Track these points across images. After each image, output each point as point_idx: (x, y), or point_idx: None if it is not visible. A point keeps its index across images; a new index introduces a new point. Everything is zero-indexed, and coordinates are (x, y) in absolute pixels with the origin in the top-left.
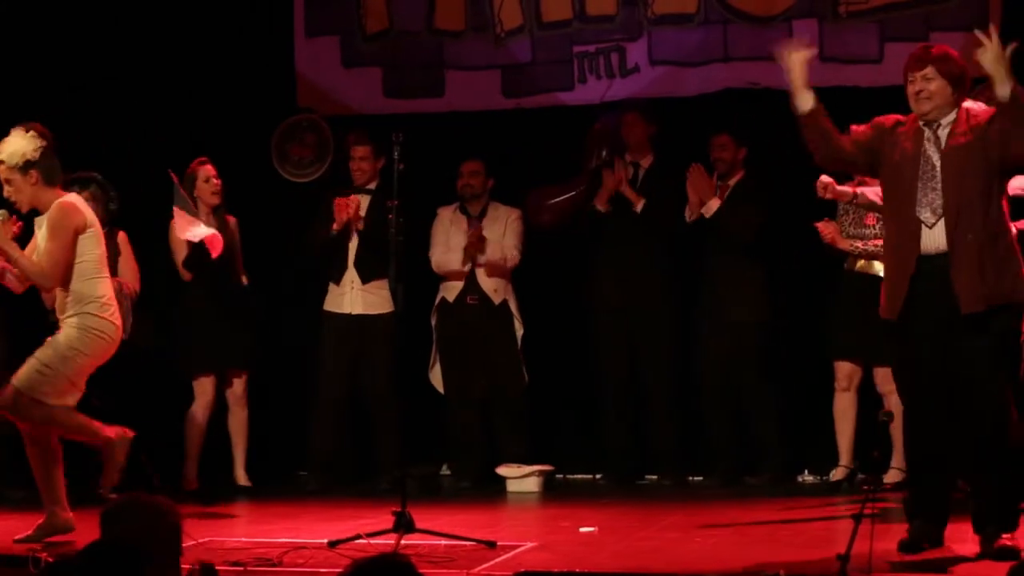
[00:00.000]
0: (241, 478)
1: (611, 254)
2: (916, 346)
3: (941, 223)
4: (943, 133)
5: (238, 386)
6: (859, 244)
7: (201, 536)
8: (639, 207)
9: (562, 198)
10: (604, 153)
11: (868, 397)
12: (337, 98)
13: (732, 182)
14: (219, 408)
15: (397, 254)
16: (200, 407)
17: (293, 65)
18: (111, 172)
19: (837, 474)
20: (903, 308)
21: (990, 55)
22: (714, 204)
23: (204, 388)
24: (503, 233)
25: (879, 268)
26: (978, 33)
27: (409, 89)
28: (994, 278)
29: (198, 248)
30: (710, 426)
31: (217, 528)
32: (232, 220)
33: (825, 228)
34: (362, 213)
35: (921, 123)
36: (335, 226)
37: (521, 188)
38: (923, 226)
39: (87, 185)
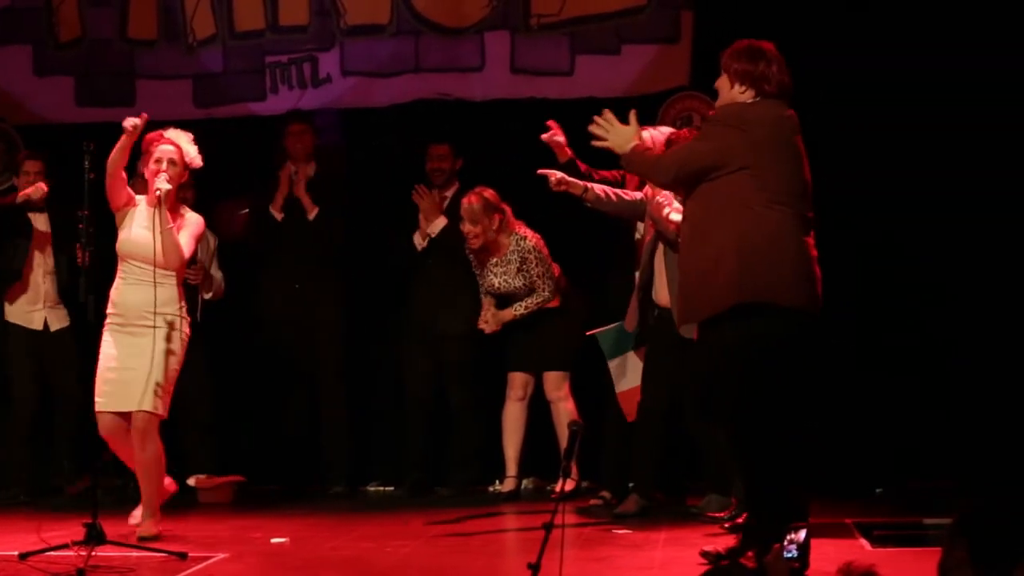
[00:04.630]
0: None
1: (284, 262)
2: None
3: None
4: None
5: None
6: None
7: None
8: (312, 215)
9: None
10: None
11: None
12: (29, 107)
13: (449, 193)
14: None
15: (87, 264)
16: None
17: None
18: None
19: (507, 485)
20: None
21: (626, 134)
22: (440, 222)
23: None
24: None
25: None
26: (601, 119)
27: (100, 98)
28: None
29: None
30: (412, 437)
31: None
32: None
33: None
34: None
35: None
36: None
37: (212, 198)
38: None
39: None
